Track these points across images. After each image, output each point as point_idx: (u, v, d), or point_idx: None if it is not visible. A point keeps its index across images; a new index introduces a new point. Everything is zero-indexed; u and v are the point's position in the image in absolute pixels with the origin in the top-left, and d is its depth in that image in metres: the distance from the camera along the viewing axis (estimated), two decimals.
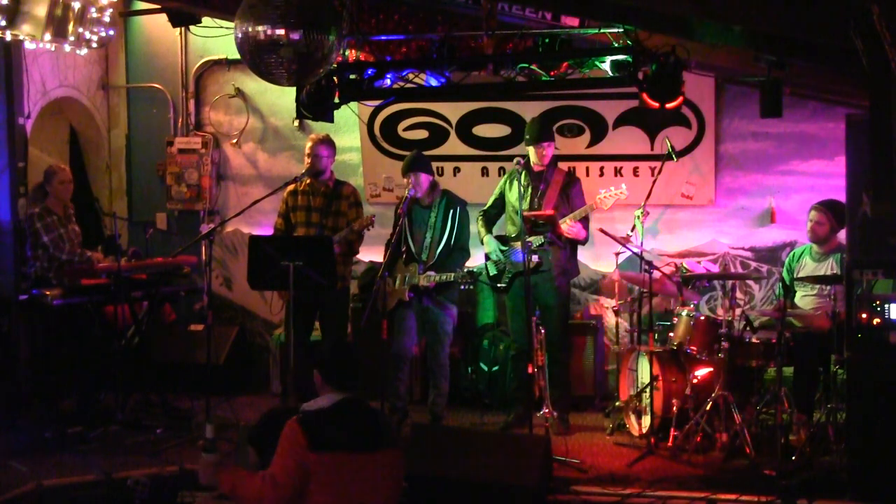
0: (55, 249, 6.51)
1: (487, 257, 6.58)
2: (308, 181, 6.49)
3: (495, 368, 7.20)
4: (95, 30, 6.29)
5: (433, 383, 6.45)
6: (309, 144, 6.50)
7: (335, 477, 3.40)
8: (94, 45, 6.36)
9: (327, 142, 6.53)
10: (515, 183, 6.34)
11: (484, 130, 7.75)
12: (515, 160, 6.21)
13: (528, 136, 6.47)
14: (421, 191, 6.33)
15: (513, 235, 6.48)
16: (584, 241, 6.49)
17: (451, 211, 6.35)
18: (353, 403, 3.58)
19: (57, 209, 6.66)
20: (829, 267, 6.11)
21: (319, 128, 7.44)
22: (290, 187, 6.56)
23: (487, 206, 6.71)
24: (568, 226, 6.30)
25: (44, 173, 6.72)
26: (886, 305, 4.88)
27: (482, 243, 6.60)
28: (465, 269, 6.24)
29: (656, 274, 6.26)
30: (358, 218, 6.43)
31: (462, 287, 6.26)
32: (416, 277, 6.24)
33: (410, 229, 6.38)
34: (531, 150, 6.43)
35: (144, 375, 6.85)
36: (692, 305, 6.30)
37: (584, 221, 6.41)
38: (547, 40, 5.80)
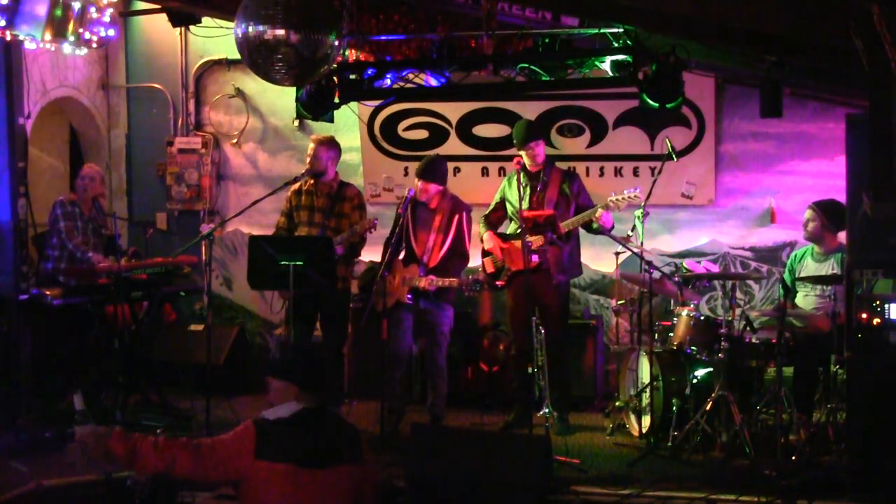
0: (67, 235, 6.54)
1: (486, 254, 6.58)
2: (312, 181, 6.48)
3: (495, 368, 7.20)
4: (95, 30, 6.28)
5: (431, 384, 6.45)
6: (311, 146, 6.50)
7: (276, 488, 3.29)
8: (94, 45, 6.35)
9: (328, 143, 6.52)
10: (514, 184, 6.35)
11: (484, 130, 7.75)
12: (515, 160, 6.22)
13: (515, 141, 6.48)
14: (427, 197, 6.33)
15: (512, 234, 6.48)
16: (610, 230, 6.43)
17: (457, 215, 6.34)
18: (313, 414, 3.42)
19: (83, 206, 6.72)
20: (831, 267, 6.11)
21: (319, 128, 7.45)
22: (295, 186, 6.56)
23: (489, 210, 6.70)
24: (600, 214, 6.26)
25: None
26: (886, 305, 4.88)
27: (482, 241, 6.60)
28: (471, 278, 6.17)
29: (656, 274, 6.26)
30: (361, 220, 6.43)
31: (466, 294, 6.21)
32: (416, 279, 6.24)
33: (413, 229, 6.37)
34: (522, 153, 6.43)
35: (144, 375, 6.85)
36: (692, 305, 6.30)
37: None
38: (547, 40, 5.80)
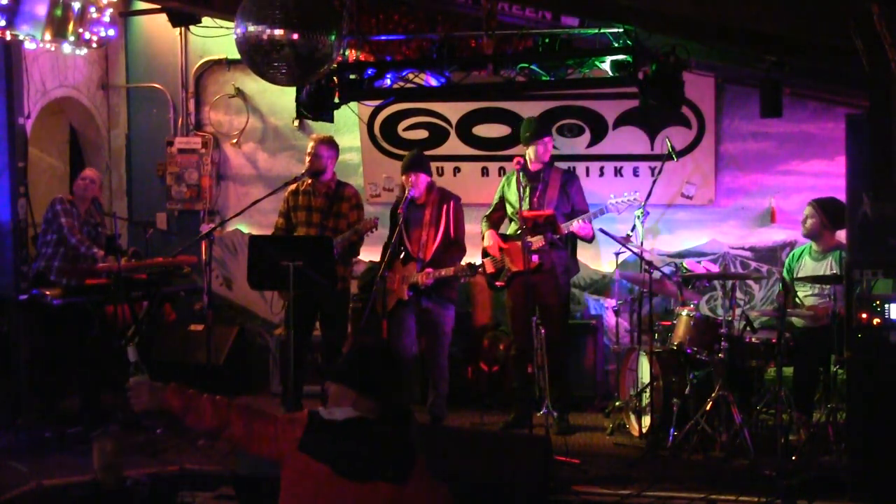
0: (69, 232, 6.52)
1: (485, 254, 6.57)
2: (310, 181, 6.48)
3: (495, 368, 7.20)
4: (95, 30, 6.28)
5: (432, 384, 6.45)
6: (311, 144, 6.50)
7: (311, 485, 3.19)
8: (94, 45, 6.36)
9: (328, 142, 6.52)
10: (514, 183, 6.35)
11: (484, 130, 7.75)
12: (515, 160, 6.21)
13: (527, 134, 6.45)
14: (418, 191, 6.33)
15: (512, 234, 6.49)
16: (591, 240, 6.50)
17: (444, 206, 6.34)
18: (365, 424, 3.25)
19: (80, 206, 6.72)
20: (829, 266, 6.10)
21: (319, 128, 7.45)
22: (292, 187, 6.56)
23: (490, 210, 6.70)
24: (580, 224, 6.30)
25: None
26: (886, 305, 4.88)
27: (483, 240, 6.60)
28: (465, 264, 6.21)
29: (656, 274, 6.26)
30: (359, 220, 6.42)
31: (462, 280, 6.26)
32: (414, 275, 6.24)
33: (406, 229, 6.37)
34: (531, 148, 6.42)
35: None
36: (692, 305, 6.30)
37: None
38: (547, 40, 5.80)
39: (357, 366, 3.36)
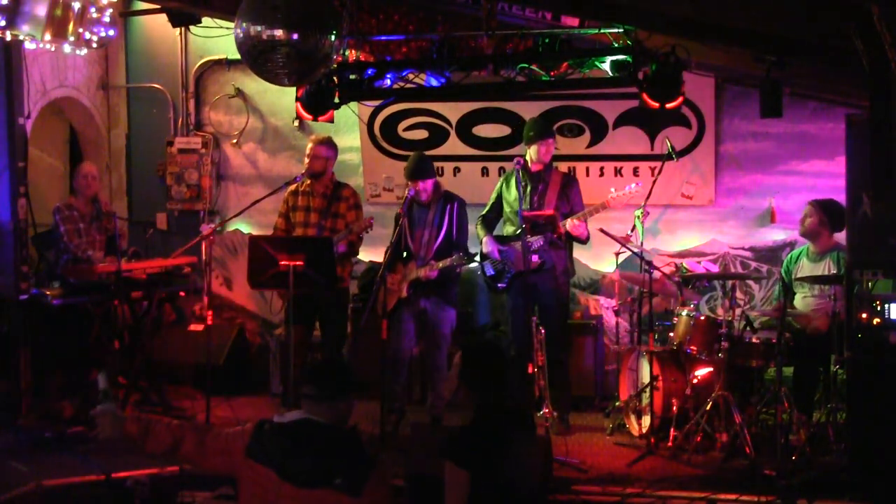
0: (68, 238, 6.54)
1: (484, 257, 6.57)
2: (308, 182, 6.49)
3: None
4: (95, 30, 6.28)
5: (431, 386, 6.45)
6: (309, 145, 6.50)
7: (259, 491, 3.21)
8: (94, 45, 6.35)
9: (328, 143, 6.53)
10: (513, 183, 6.34)
11: (484, 130, 7.75)
12: (515, 160, 6.21)
13: (532, 133, 6.43)
14: (427, 195, 6.33)
15: (511, 235, 6.48)
16: (586, 240, 6.50)
17: (448, 206, 6.34)
18: (312, 427, 3.25)
19: (80, 205, 6.71)
20: (826, 267, 6.11)
21: (319, 128, 7.45)
22: (292, 187, 6.57)
23: (486, 210, 6.69)
24: (574, 224, 6.29)
25: None
26: (886, 305, 4.89)
27: (481, 243, 6.60)
28: (460, 254, 6.16)
29: (656, 274, 6.26)
30: (357, 220, 6.43)
31: (458, 269, 6.22)
32: (414, 272, 6.24)
33: (410, 229, 6.37)
34: (533, 148, 6.40)
35: (144, 375, 6.85)
36: (692, 305, 6.29)
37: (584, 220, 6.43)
38: (547, 40, 5.80)
39: (313, 369, 3.51)
